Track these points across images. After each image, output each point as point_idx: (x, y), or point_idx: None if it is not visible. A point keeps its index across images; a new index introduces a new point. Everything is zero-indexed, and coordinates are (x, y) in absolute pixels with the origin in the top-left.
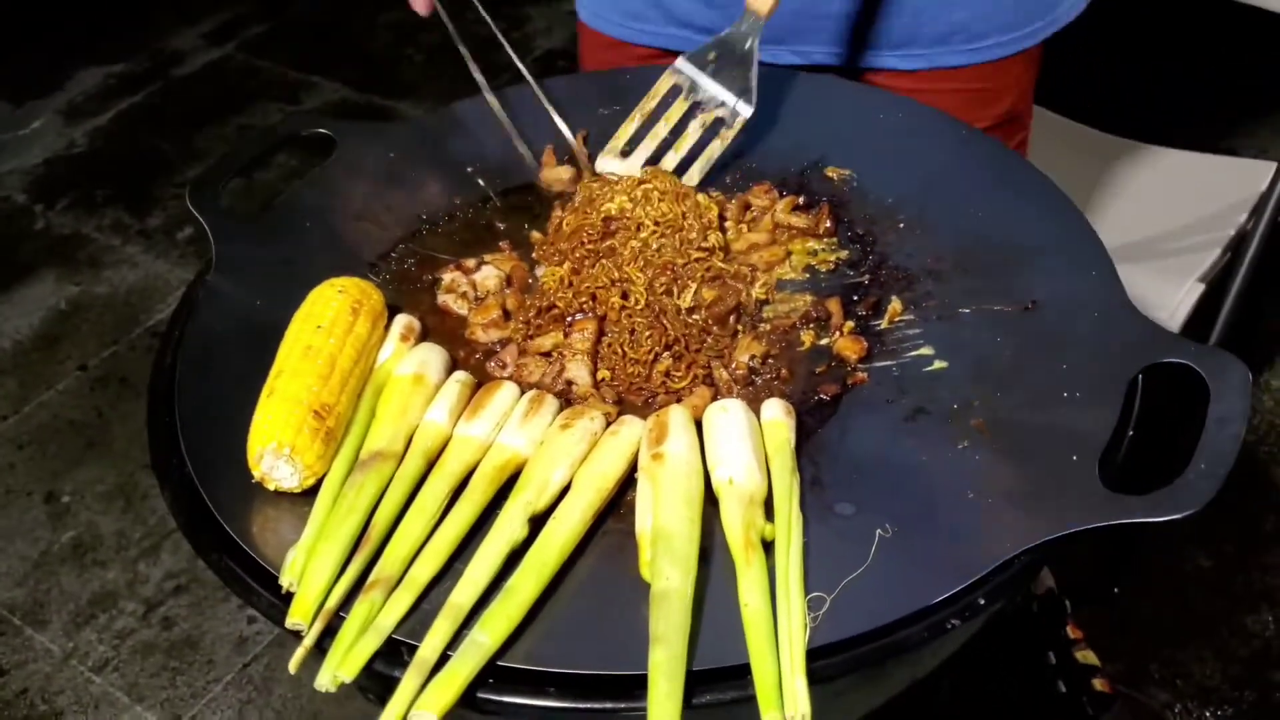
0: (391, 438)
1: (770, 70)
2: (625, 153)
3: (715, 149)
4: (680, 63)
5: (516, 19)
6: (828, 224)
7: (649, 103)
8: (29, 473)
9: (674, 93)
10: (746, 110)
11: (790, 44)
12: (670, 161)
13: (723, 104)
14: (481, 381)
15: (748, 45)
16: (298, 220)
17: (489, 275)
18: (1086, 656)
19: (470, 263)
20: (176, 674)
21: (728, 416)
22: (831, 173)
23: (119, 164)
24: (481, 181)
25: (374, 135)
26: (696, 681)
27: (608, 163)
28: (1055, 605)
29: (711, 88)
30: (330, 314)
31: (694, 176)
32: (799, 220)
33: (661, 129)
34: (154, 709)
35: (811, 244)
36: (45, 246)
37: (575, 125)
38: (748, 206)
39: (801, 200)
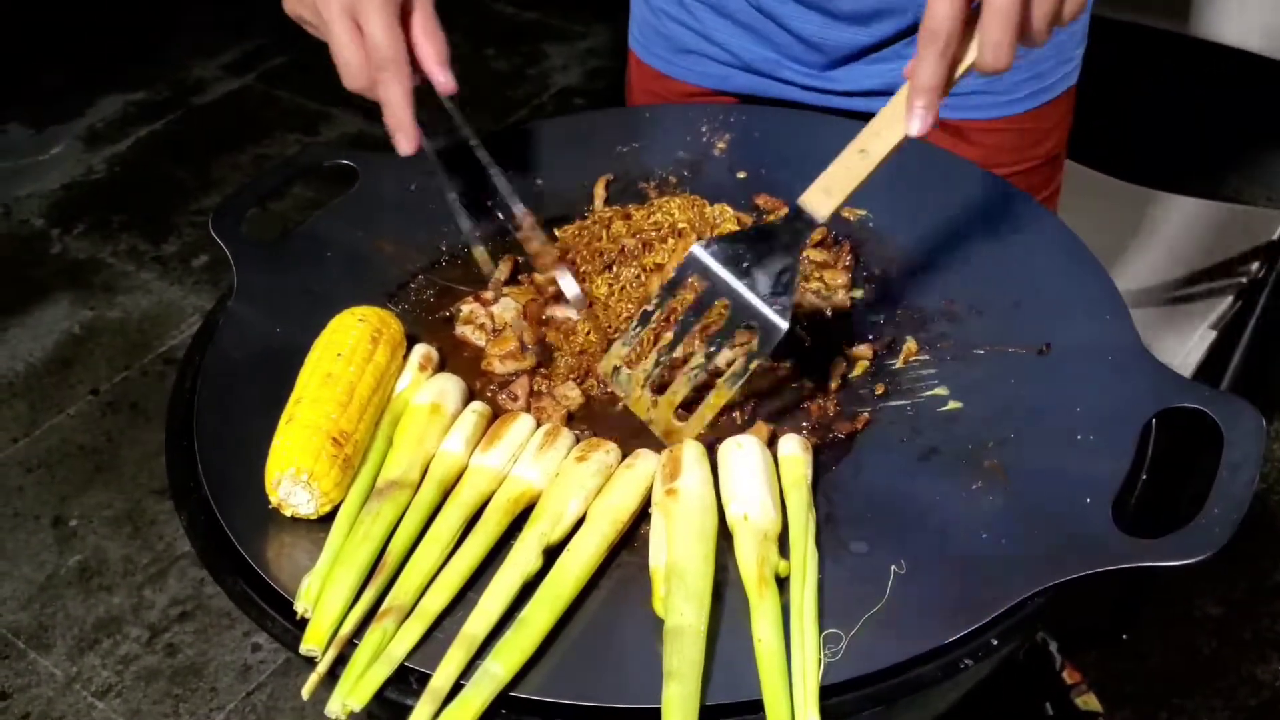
0: (408, 466)
1: (785, 111)
2: (629, 362)
3: (738, 371)
4: (698, 250)
5: (533, 56)
6: (848, 260)
7: (658, 303)
8: (37, 496)
9: (689, 284)
10: (780, 325)
11: (841, 87)
12: (683, 384)
13: (756, 314)
14: (498, 413)
15: (793, 251)
16: (319, 249)
17: (507, 307)
18: (1088, 702)
19: (488, 294)
20: (180, 701)
21: (743, 453)
22: (847, 213)
23: (137, 191)
24: (500, 215)
25: (395, 166)
26: (709, 716)
27: (612, 382)
28: (1042, 654)
29: (742, 291)
30: (350, 342)
31: (704, 413)
32: (818, 254)
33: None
34: None
35: (829, 278)
36: (61, 270)
37: (596, 163)
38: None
39: (820, 236)
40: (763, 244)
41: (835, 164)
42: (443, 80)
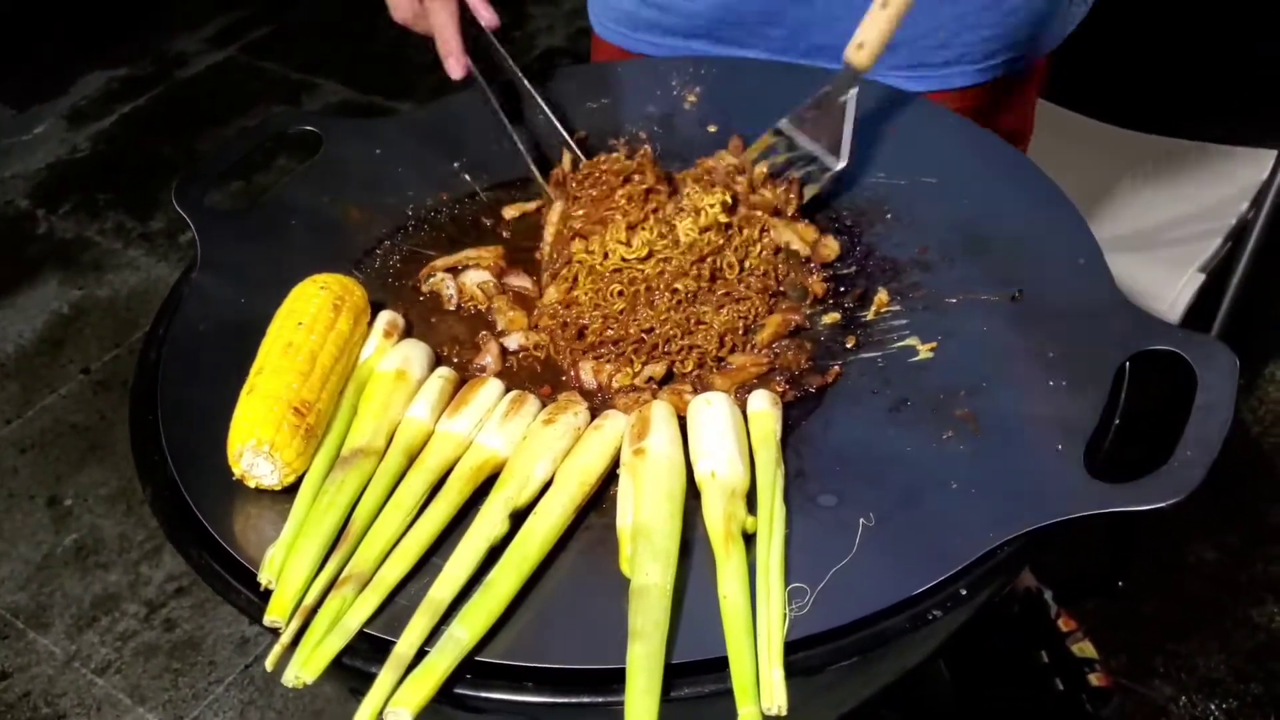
0: (373, 434)
1: (755, 63)
2: None
3: (805, 192)
4: (782, 124)
5: (518, 17)
6: (792, 197)
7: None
8: (32, 476)
9: (770, 152)
10: (836, 164)
11: (805, 58)
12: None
13: (815, 159)
14: (465, 378)
15: (842, 98)
16: (283, 217)
17: (474, 279)
18: (1083, 649)
19: (455, 258)
20: (179, 675)
21: (712, 410)
22: None
23: (122, 168)
24: (468, 177)
25: (361, 132)
26: (676, 674)
27: None
28: (1037, 603)
29: (805, 144)
30: (312, 310)
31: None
32: (768, 194)
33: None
34: (156, 710)
35: (801, 231)
36: (48, 250)
37: (566, 121)
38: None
39: (769, 170)
40: (821, 102)
41: (863, 21)
42: (486, 15)
